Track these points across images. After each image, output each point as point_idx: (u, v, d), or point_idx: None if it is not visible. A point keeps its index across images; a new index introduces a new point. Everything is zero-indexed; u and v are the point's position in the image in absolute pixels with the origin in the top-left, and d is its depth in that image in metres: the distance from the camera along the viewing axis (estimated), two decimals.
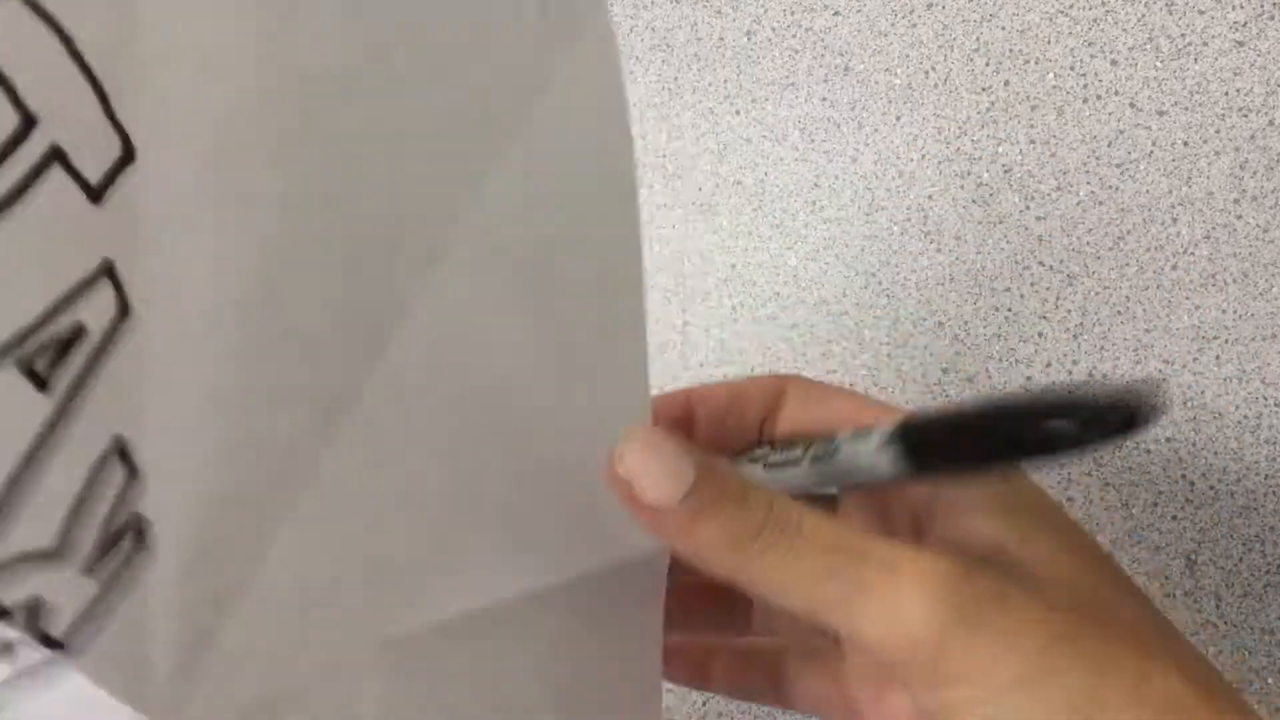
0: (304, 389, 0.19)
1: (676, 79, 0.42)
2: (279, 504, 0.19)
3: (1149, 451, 0.37)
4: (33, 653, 0.16)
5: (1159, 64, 0.37)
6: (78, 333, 0.15)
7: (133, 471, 0.17)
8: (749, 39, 0.41)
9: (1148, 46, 0.37)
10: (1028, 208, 0.38)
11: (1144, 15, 0.37)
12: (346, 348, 0.19)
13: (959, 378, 0.39)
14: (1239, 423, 0.36)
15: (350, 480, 0.19)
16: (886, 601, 0.20)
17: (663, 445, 0.21)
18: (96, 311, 0.16)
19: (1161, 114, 0.37)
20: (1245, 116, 0.36)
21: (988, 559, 0.22)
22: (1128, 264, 0.37)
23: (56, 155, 0.15)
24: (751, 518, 0.21)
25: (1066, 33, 0.38)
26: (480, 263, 0.20)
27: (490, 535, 0.22)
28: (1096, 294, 0.38)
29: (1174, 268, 0.37)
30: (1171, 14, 0.37)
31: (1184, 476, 0.37)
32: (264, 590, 0.19)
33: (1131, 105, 0.37)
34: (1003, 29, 0.39)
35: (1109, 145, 0.38)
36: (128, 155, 0.16)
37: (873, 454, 0.22)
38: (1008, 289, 0.39)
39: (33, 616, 0.16)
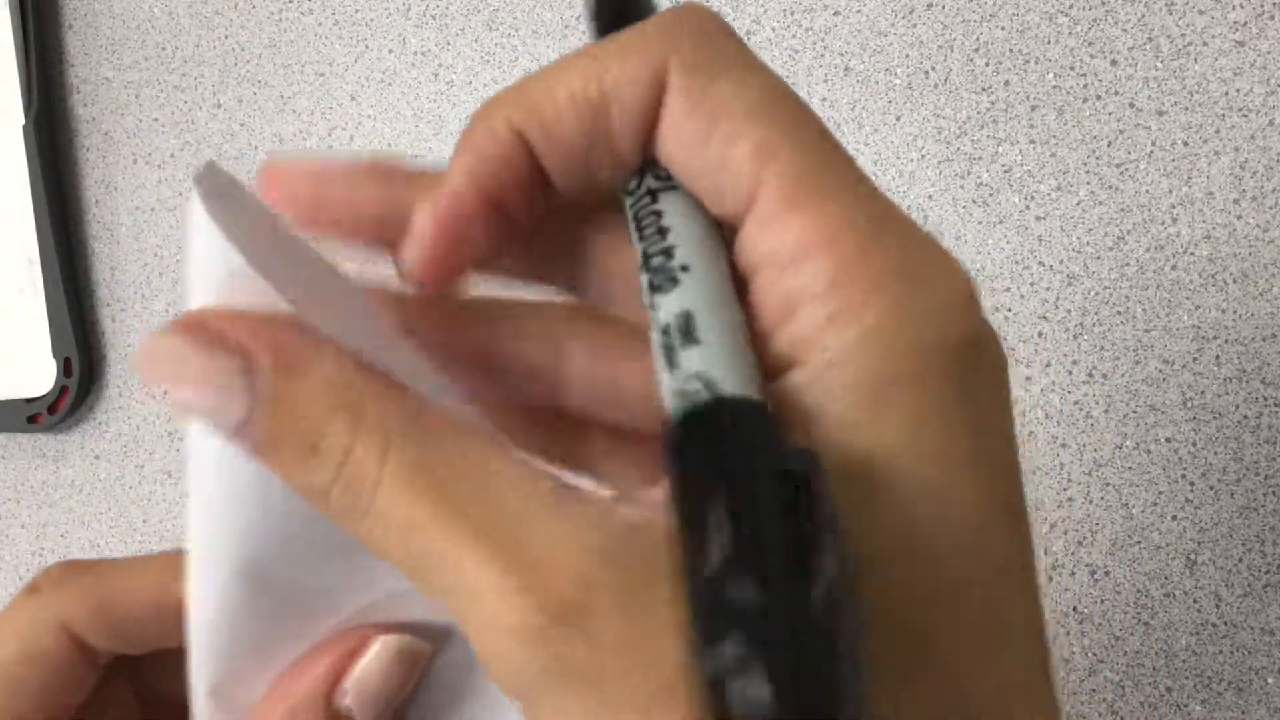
0: None
1: None
2: None
3: (1149, 452, 0.37)
4: None
5: (1159, 64, 0.37)
6: None
7: None
8: (749, 39, 0.41)
9: (1148, 46, 0.37)
10: (1028, 208, 0.38)
11: (1144, 15, 0.37)
12: None
13: None
14: (1239, 423, 0.36)
15: None
16: (468, 625, 0.14)
17: (190, 353, 0.15)
18: None
19: (1161, 114, 0.37)
20: (1245, 116, 0.36)
21: None
22: (1128, 264, 0.37)
23: None
24: (317, 475, 0.15)
25: (1066, 33, 0.38)
26: None
27: None
28: (1096, 294, 0.38)
29: (1174, 268, 0.37)
30: (1171, 14, 0.37)
31: (1184, 476, 0.37)
32: None
33: (1131, 105, 0.37)
34: (1003, 29, 0.39)
35: (1109, 145, 0.38)
36: None
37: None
38: (1008, 289, 0.39)
39: None
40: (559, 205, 0.18)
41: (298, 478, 0.15)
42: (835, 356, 0.14)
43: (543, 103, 0.16)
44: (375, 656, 0.18)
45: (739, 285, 0.16)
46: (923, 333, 0.15)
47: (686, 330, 0.15)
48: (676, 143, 0.16)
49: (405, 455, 0.15)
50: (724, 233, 0.16)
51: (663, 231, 0.16)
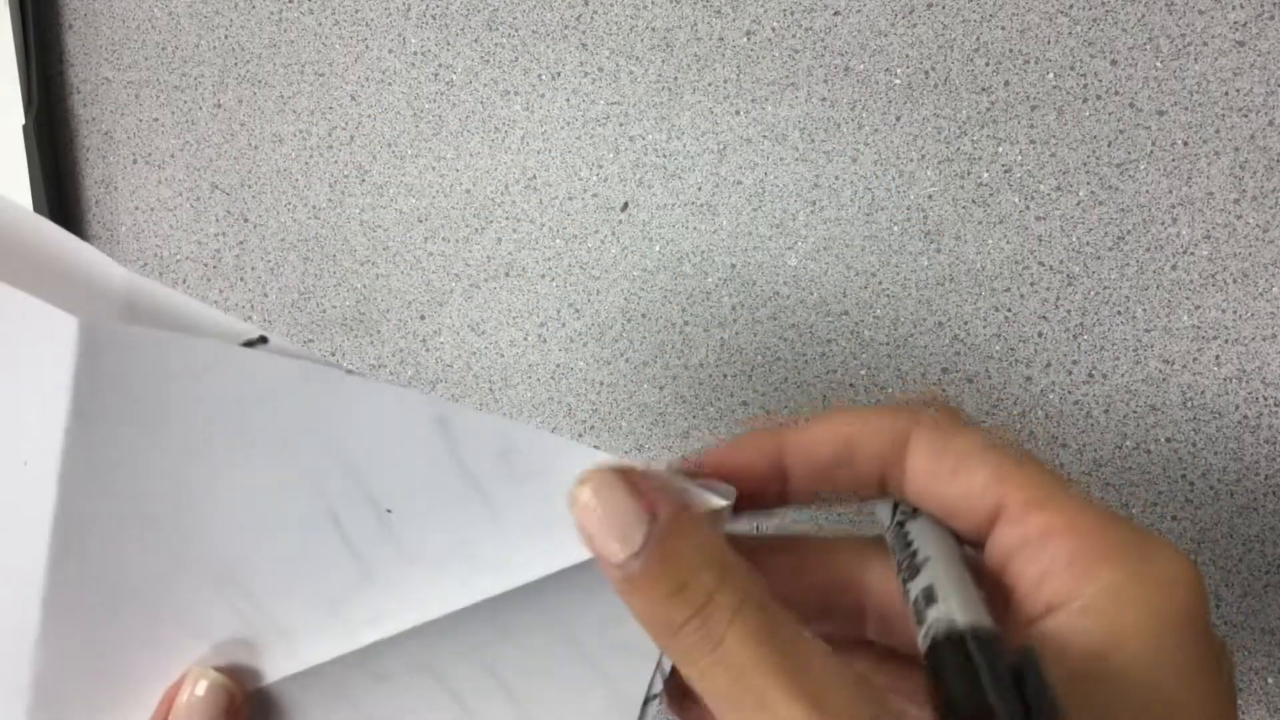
0: None
1: (676, 79, 0.42)
2: None
3: (1149, 452, 0.37)
4: None
5: (1159, 64, 0.37)
6: None
7: None
8: (749, 39, 0.41)
9: (1148, 46, 0.37)
10: (1028, 208, 0.38)
11: (1144, 15, 0.37)
12: None
13: (959, 378, 0.39)
14: (1239, 423, 0.36)
15: None
16: None
17: (613, 495, 0.20)
18: None
19: (1161, 114, 0.37)
20: (1245, 116, 0.36)
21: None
22: (1128, 264, 0.37)
23: None
24: (676, 611, 0.19)
25: (1066, 33, 0.38)
26: None
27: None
28: (1096, 294, 0.38)
29: (1174, 268, 0.37)
30: (1171, 14, 0.37)
31: (1184, 476, 0.37)
32: None
33: (1131, 105, 0.37)
34: (1003, 29, 0.39)
35: (1109, 145, 0.38)
36: None
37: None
38: (1008, 289, 0.39)
39: None
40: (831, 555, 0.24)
41: (660, 609, 0.19)
42: (1082, 604, 0.19)
43: (807, 432, 0.23)
44: (194, 691, 0.23)
45: (983, 575, 0.21)
46: (1151, 594, 0.19)
47: (929, 597, 0.20)
48: (923, 478, 0.22)
49: (753, 612, 0.19)
50: (960, 540, 0.22)
51: (909, 543, 0.22)
